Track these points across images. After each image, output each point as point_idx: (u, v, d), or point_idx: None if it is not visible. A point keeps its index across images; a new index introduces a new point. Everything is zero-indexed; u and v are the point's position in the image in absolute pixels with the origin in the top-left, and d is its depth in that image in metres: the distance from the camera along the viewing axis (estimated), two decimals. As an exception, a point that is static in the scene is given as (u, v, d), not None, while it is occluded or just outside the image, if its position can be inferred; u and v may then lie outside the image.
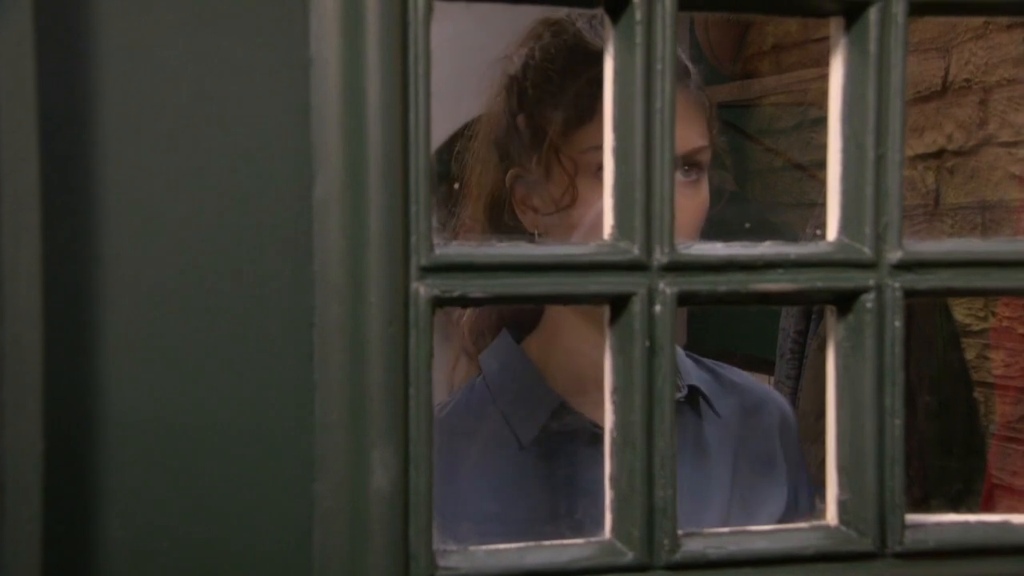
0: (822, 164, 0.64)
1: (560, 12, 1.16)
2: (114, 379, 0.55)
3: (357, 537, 0.55)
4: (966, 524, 0.64)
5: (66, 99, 0.54)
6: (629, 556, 0.59)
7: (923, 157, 2.74)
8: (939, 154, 2.70)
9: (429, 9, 0.55)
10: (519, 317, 1.23)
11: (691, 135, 1.08)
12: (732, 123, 3.13)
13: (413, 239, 0.55)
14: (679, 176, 1.07)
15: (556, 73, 1.11)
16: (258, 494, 0.56)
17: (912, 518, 0.63)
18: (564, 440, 1.17)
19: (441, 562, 0.56)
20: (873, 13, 0.60)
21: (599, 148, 1.06)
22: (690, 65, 1.14)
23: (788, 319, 2.91)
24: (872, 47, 0.61)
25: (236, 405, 0.56)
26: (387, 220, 0.55)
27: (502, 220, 1.15)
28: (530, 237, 1.15)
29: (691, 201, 1.08)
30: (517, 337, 1.24)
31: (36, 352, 0.52)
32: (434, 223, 0.56)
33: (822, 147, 0.62)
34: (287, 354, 0.56)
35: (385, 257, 0.55)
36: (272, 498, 0.56)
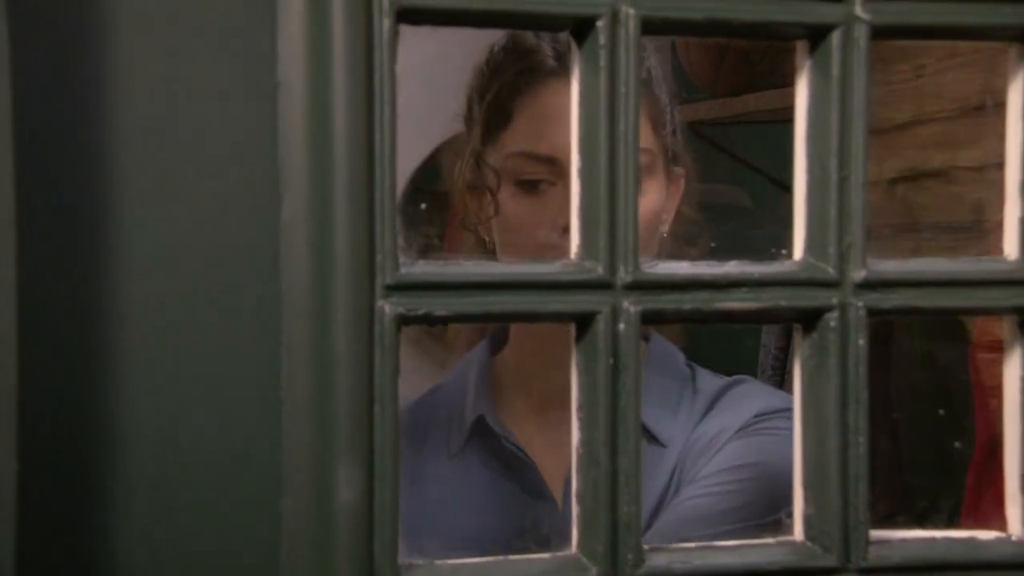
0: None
1: None
2: (84, 396, 0.56)
3: (322, 552, 0.56)
4: (931, 540, 0.64)
5: (42, 122, 0.55)
6: (594, 571, 0.60)
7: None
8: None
9: (394, 33, 0.56)
10: (502, 328, 1.24)
11: None
12: (714, 141, 3.13)
13: (379, 258, 0.56)
14: None
15: (488, 76, 1.10)
16: (226, 509, 0.57)
17: (877, 534, 0.63)
18: (484, 454, 1.17)
19: (406, 576, 0.57)
20: (835, 37, 0.61)
21: (519, 155, 1.06)
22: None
23: (770, 336, 2.90)
24: (835, 70, 0.62)
25: (204, 422, 0.57)
26: (352, 240, 0.56)
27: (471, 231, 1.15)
28: (484, 246, 1.14)
29: None
30: (498, 348, 1.24)
31: (11, 373, 0.53)
32: (400, 242, 0.58)
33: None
34: (255, 372, 0.57)
35: (351, 276, 0.56)
36: (240, 513, 0.57)
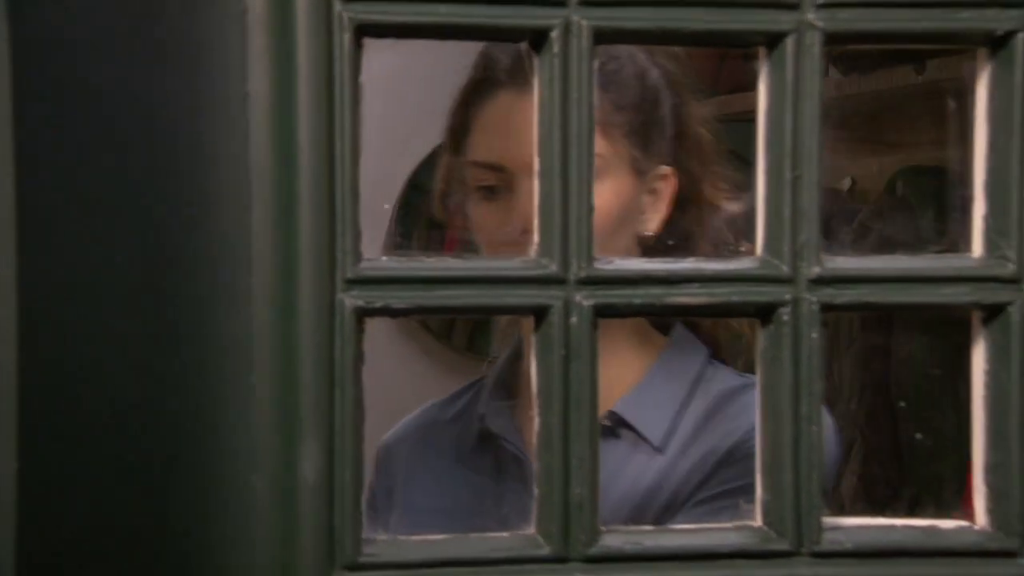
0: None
1: None
2: (77, 386, 0.62)
3: (288, 524, 0.61)
4: (890, 527, 0.67)
5: (41, 130, 0.62)
6: (547, 549, 0.63)
7: None
8: None
9: (356, 47, 0.61)
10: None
11: None
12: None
13: (339, 255, 0.61)
14: None
15: (460, 87, 1.17)
16: (204, 486, 0.62)
17: (832, 520, 0.66)
18: (488, 452, 1.22)
19: (366, 549, 0.62)
20: (789, 43, 0.64)
21: (473, 164, 1.12)
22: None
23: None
24: (789, 75, 0.64)
25: (185, 406, 0.62)
26: (315, 238, 0.61)
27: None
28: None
29: None
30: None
31: (11, 372, 0.58)
32: (364, 240, 0.62)
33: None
34: (230, 360, 0.62)
35: (313, 271, 0.61)
36: (216, 489, 0.62)
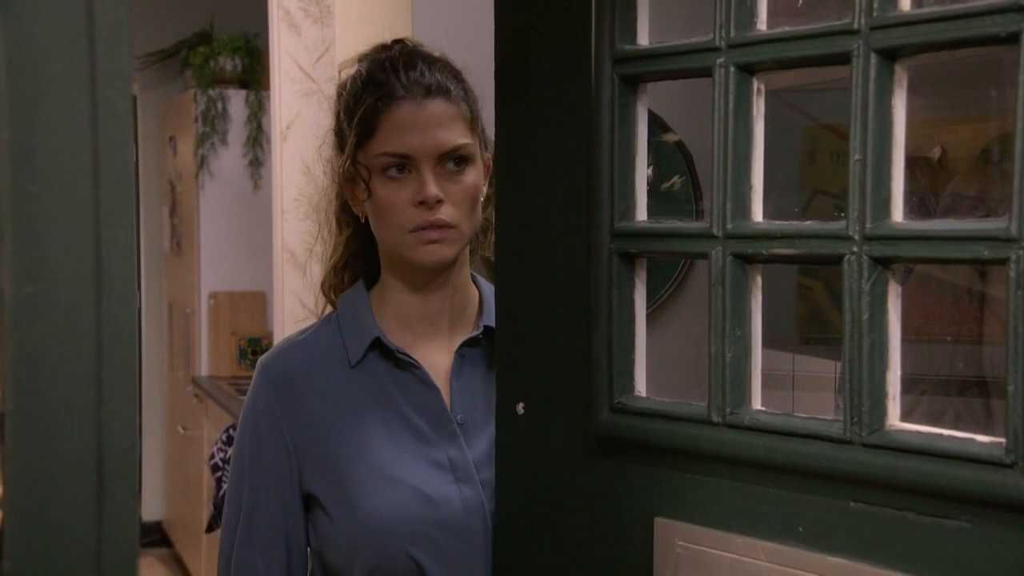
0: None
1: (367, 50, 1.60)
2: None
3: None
4: (938, 435, 0.84)
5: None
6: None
7: None
8: None
9: (623, 92, 0.99)
10: (368, 275, 1.64)
11: (452, 135, 1.47)
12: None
13: (613, 212, 1.00)
14: (450, 166, 1.49)
15: (353, 100, 1.57)
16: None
17: (896, 424, 0.86)
18: (381, 362, 1.59)
19: (623, 398, 1.00)
20: (858, 60, 0.86)
21: (384, 155, 1.52)
22: (451, 86, 1.52)
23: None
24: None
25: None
26: (604, 207, 1.01)
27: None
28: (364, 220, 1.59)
29: (458, 186, 1.48)
30: (368, 287, 1.64)
31: (132, 330, 0.58)
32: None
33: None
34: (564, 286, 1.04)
35: (597, 226, 1.00)
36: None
